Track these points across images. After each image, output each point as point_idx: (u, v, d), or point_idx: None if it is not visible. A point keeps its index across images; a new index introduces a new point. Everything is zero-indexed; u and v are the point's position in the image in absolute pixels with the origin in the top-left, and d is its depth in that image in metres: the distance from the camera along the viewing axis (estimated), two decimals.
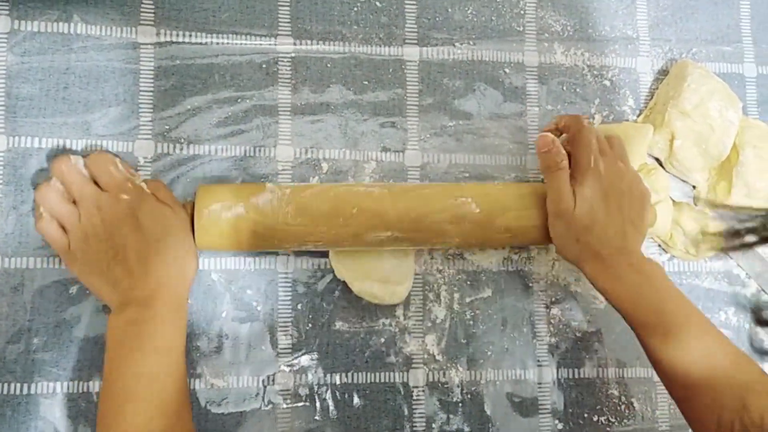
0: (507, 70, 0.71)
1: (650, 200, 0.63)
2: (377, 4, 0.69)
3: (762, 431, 0.50)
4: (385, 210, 0.59)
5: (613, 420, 0.68)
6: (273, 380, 0.63)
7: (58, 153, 0.61)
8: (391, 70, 0.68)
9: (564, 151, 0.61)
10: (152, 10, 0.64)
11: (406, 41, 0.69)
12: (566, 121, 0.63)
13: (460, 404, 0.66)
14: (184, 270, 0.57)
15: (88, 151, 0.62)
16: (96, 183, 0.57)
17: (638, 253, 0.60)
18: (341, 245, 0.60)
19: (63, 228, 0.57)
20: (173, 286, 0.55)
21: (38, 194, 0.57)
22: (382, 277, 0.64)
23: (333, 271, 0.64)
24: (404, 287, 0.64)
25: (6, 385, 0.59)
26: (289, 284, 0.64)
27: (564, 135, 0.64)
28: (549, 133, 0.62)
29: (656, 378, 0.68)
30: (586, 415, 0.68)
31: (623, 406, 0.68)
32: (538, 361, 0.68)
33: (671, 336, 0.55)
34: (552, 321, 0.69)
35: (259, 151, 0.65)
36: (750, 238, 0.50)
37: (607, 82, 0.72)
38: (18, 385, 0.59)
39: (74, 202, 0.57)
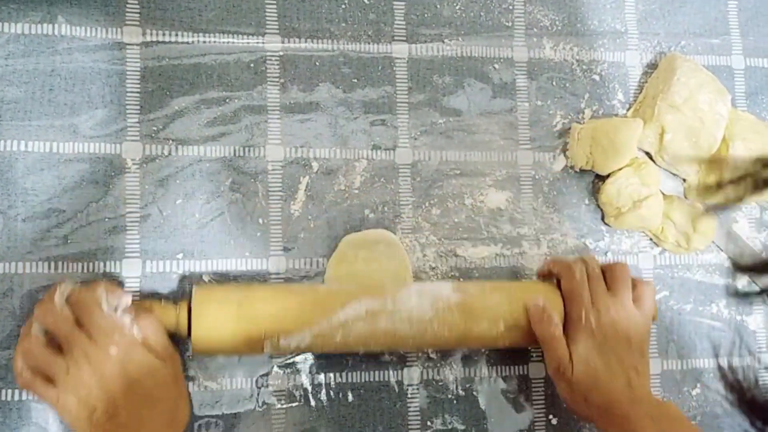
0: (496, 66, 0.71)
1: (649, 331, 0.62)
2: (365, 1, 0.68)
3: None
4: (384, 339, 0.60)
5: None
6: (267, 381, 0.63)
7: (42, 297, 0.57)
8: (380, 67, 0.68)
9: (556, 319, 0.60)
10: (137, 10, 0.64)
11: (395, 38, 0.69)
12: (558, 269, 0.63)
13: (455, 401, 0.66)
14: (176, 421, 0.56)
15: (73, 280, 0.58)
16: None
17: (649, 397, 0.59)
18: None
19: (48, 378, 0.54)
20: None
21: (21, 350, 0.54)
22: None
23: (324, 272, 0.64)
24: None
25: None
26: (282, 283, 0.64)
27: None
28: (540, 302, 0.61)
29: (650, 370, 0.69)
30: None
31: None
32: (532, 356, 0.68)
33: None
34: None
35: (249, 151, 0.65)
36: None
37: (597, 77, 0.72)
38: (9, 391, 0.58)
39: (59, 347, 0.54)
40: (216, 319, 0.57)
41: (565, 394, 0.61)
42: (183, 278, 0.62)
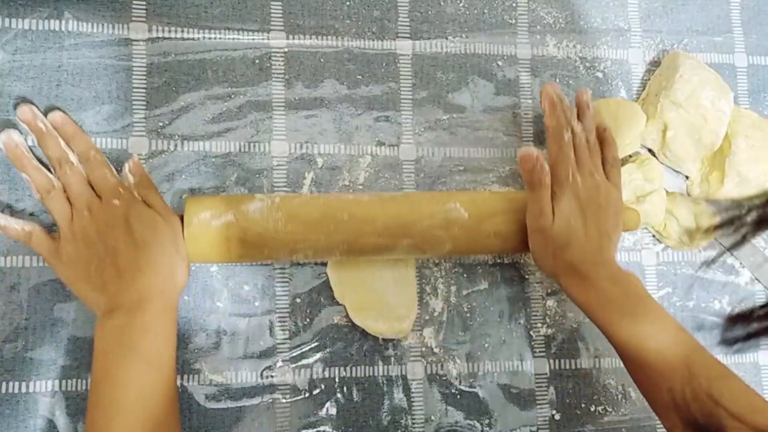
0: (500, 63, 0.71)
1: (623, 207, 0.63)
2: None
3: (710, 396, 0.50)
4: (375, 216, 0.59)
5: (609, 409, 0.69)
6: (272, 375, 0.63)
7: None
8: (384, 64, 0.68)
9: (547, 168, 0.60)
10: (144, 6, 0.64)
11: (399, 35, 0.69)
12: (550, 125, 0.62)
13: (458, 396, 0.66)
14: (174, 276, 0.56)
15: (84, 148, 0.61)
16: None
17: (614, 264, 0.60)
18: (332, 253, 0.60)
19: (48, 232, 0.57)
20: (162, 292, 0.55)
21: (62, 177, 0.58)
22: (384, 310, 0.64)
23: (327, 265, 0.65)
24: (408, 322, 0.65)
25: (4, 384, 0.58)
26: (286, 279, 0.64)
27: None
28: (532, 149, 0.60)
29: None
30: (583, 405, 0.68)
31: (619, 396, 0.69)
32: (535, 352, 0.68)
33: (629, 319, 0.57)
34: (548, 312, 0.69)
35: (254, 146, 0.65)
36: (747, 223, 0.49)
37: (600, 74, 0.73)
38: (16, 383, 0.59)
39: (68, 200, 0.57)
40: (211, 206, 0.58)
41: (537, 247, 0.61)
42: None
